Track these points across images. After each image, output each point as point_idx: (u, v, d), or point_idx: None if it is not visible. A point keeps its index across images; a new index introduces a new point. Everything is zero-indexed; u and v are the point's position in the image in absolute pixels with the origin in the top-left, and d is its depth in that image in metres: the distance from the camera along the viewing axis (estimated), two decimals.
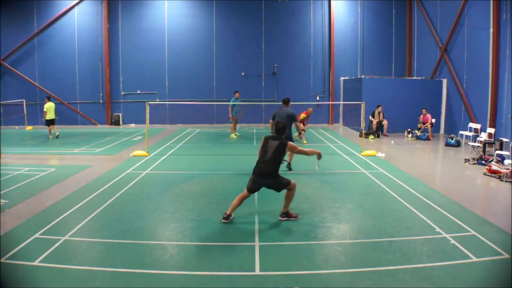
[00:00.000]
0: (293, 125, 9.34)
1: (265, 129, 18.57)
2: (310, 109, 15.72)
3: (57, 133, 15.75)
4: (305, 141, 14.53)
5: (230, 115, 15.40)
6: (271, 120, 9.33)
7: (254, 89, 20.91)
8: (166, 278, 4.27)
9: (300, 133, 9.42)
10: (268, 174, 5.73)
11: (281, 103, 9.44)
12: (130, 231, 5.55)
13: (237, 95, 15.40)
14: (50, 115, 15.50)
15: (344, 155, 11.68)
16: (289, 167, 9.44)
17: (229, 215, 5.91)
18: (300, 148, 6.02)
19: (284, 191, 5.96)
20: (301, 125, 14.55)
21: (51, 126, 15.64)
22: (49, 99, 15.94)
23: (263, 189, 5.80)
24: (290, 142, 5.92)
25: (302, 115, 15.07)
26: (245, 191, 5.91)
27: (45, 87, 20.50)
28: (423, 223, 5.89)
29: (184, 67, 20.95)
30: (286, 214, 5.99)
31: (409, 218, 6.11)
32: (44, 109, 15.48)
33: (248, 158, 11.55)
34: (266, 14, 21.04)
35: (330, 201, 7.07)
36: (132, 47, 20.89)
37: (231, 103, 15.32)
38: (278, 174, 5.86)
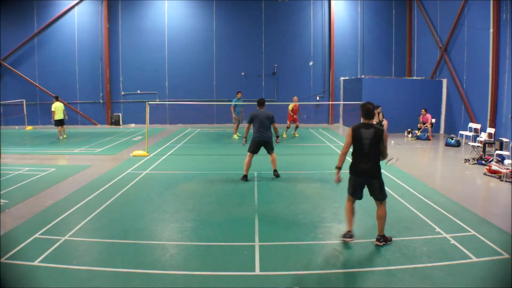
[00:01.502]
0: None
1: None
2: (295, 98, 15.86)
3: (63, 137, 15.33)
4: (285, 135, 15.52)
5: (233, 115, 15.29)
6: (247, 124, 8.64)
7: (254, 89, 20.86)
8: (166, 278, 4.27)
9: (278, 136, 9.17)
10: (368, 173, 4.96)
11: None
12: (130, 231, 5.55)
13: (239, 95, 15.20)
14: (59, 115, 15.20)
15: None
16: (276, 174, 8.73)
17: (350, 231, 5.20)
18: (386, 148, 5.04)
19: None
20: (288, 122, 15.64)
21: (60, 127, 15.31)
22: (57, 99, 15.69)
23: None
24: (385, 131, 5.00)
25: (291, 106, 15.50)
26: (348, 197, 5.27)
27: (45, 87, 20.52)
28: (423, 223, 5.89)
29: (184, 67, 20.94)
30: (384, 238, 5.07)
31: (409, 218, 6.11)
32: (52, 109, 15.21)
33: None
34: (266, 14, 21.04)
35: (330, 201, 7.06)
36: (132, 47, 20.89)
37: (233, 103, 15.22)
38: (380, 173, 4.99)
